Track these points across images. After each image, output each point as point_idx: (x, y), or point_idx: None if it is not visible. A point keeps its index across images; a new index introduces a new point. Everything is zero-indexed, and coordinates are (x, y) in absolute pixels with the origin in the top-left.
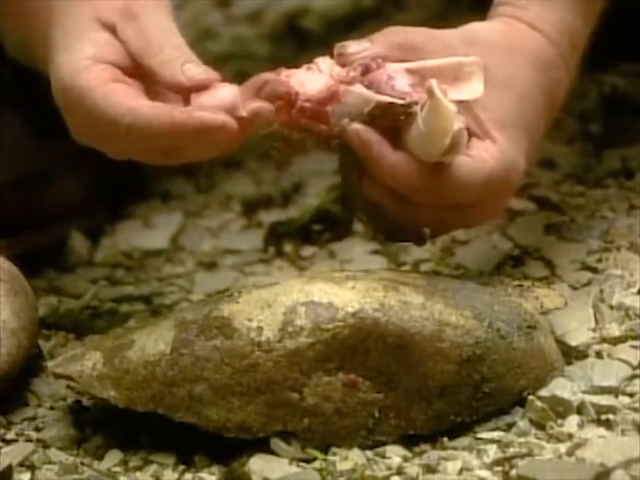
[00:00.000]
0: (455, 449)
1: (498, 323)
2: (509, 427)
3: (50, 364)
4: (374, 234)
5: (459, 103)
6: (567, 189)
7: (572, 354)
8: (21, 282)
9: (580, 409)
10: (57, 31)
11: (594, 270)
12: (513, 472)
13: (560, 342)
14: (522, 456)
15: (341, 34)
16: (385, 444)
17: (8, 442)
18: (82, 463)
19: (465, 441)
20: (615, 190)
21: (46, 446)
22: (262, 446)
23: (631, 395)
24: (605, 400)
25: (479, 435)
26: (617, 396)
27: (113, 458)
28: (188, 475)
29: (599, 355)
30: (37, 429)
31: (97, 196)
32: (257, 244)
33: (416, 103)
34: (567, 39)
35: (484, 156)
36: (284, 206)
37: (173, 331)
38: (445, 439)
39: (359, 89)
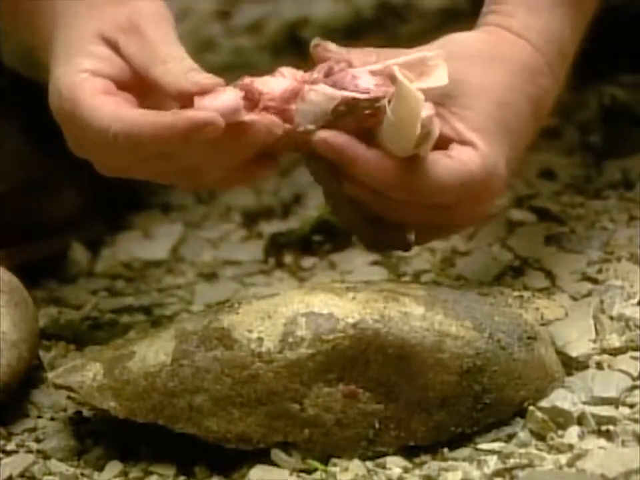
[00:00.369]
0: (455, 459)
1: (498, 333)
2: (510, 437)
3: (50, 375)
4: (360, 239)
5: (438, 116)
6: (567, 199)
7: (572, 365)
8: (21, 293)
9: (580, 420)
10: (59, 43)
11: (594, 281)
12: None
13: (560, 353)
14: (522, 467)
15: (341, 44)
16: (385, 455)
17: (8, 453)
18: (82, 474)
19: (465, 451)
20: (615, 201)
21: (46, 457)
22: (262, 457)
23: (632, 406)
24: (605, 411)
25: (479, 446)
26: (617, 407)
27: (113, 469)
28: None
29: (599, 365)
30: (38, 440)
31: (97, 207)
32: (257, 255)
33: (381, 98)
34: (555, 46)
35: (463, 159)
36: (284, 217)
37: (173, 342)
38: (446, 449)
39: (323, 87)
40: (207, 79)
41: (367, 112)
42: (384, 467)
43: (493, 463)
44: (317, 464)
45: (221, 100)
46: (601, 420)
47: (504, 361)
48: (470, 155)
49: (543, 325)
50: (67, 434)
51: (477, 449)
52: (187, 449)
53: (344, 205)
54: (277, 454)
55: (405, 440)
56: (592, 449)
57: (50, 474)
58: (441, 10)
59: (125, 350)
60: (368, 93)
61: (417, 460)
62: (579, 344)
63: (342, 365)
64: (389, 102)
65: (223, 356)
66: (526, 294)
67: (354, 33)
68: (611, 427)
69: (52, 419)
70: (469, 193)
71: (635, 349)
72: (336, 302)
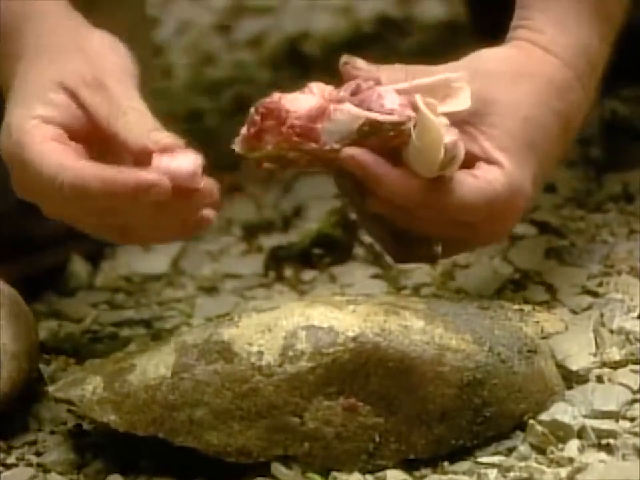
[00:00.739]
0: (455, 473)
1: (498, 347)
2: (510, 451)
3: (50, 388)
4: (387, 253)
5: (466, 134)
6: (568, 213)
7: (572, 378)
8: (21, 306)
9: (580, 434)
10: (17, 84)
11: (594, 294)
12: None
13: (560, 366)
14: None
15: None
16: (385, 468)
17: (8, 466)
18: None
19: (465, 465)
20: (615, 214)
21: (46, 470)
22: (262, 470)
23: (632, 420)
24: (605, 424)
25: (479, 459)
26: (617, 420)
27: None
28: None
29: (599, 379)
30: (38, 453)
31: None
32: (258, 268)
33: (406, 122)
34: (584, 59)
35: (489, 178)
36: (284, 230)
37: (174, 355)
38: (446, 463)
39: (348, 106)
40: (168, 138)
41: (391, 134)
42: None
43: (493, 476)
44: (317, 477)
45: (178, 162)
46: (601, 433)
47: (504, 374)
48: (495, 174)
49: (543, 338)
50: (67, 447)
51: (477, 463)
52: (187, 463)
53: (370, 219)
54: (277, 467)
55: (405, 453)
56: (592, 462)
57: None
58: (441, 24)
59: (125, 363)
60: (392, 114)
61: (417, 473)
62: (579, 357)
63: (342, 379)
64: (414, 126)
65: (223, 369)
66: (526, 307)
67: (354, 46)
68: (611, 441)
69: (52, 432)
70: (493, 211)
71: (635, 363)
72: (336, 315)
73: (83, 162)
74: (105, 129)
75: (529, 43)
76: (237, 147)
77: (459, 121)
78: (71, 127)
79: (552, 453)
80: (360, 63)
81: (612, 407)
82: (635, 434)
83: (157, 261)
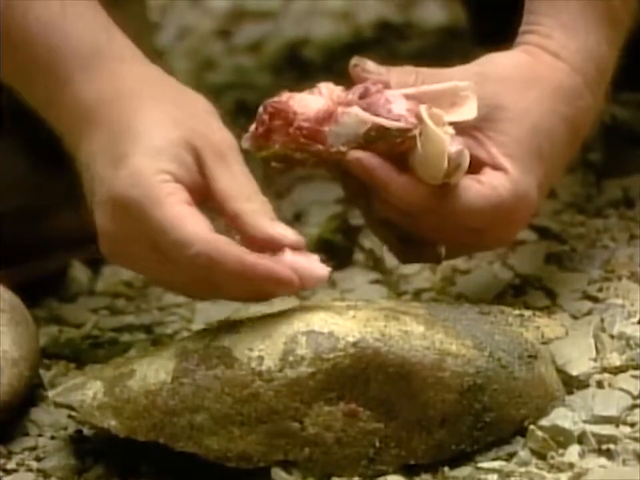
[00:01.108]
0: (455, 478)
1: (499, 352)
2: (510, 456)
3: (51, 393)
4: (392, 253)
5: (474, 139)
6: (568, 218)
7: (573, 383)
8: (21, 311)
9: (581, 439)
10: (138, 122)
11: (595, 299)
12: None
13: (561, 371)
14: None
15: (342, 64)
16: (385, 473)
17: (8, 472)
18: None
19: (465, 470)
20: (615, 219)
21: (47, 476)
22: (263, 475)
23: (632, 425)
24: (605, 430)
25: (479, 465)
26: (617, 426)
27: None
28: None
29: (599, 384)
30: (38, 459)
31: None
32: None
33: (412, 128)
34: (593, 64)
35: (494, 184)
36: None
37: (174, 361)
38: (446, 468)
39: (355, 110)
40: (295, 235)
41: (397, 140)
42: None
43: None
44: None
45: (312, 266)
46: (601, 439)
47: (504, 379)
48: (501, 180)
49: (543, 343)
50: (68, 453)
51: (477, 468)
52: (188, 468)
53: (376, 221)
54: (278, 472)
55: (406, 459)
56: (592, 467)
57: None
58: (441, 28)
59: (125, 368)
60: (399, 120)
61: (418, 479)
62: (580, 362)
63: (342, 384)
64: (420, 133)
65: (223, 374)
66: (526, 312)
67: (354, 51)
68: (612, 446)
69: (52, 437)
70: (498, 217)
71: (636, 368)
72: (336, 320)
73: (217, 236)
74: (220, 201)
75: (538, 48)
76: (245, 144)
77: (467, 126)
78: (190, 186)
79: (552, 458)
80: (370, 65)
81: (612, 412)
82: (636, 439)
83: None
